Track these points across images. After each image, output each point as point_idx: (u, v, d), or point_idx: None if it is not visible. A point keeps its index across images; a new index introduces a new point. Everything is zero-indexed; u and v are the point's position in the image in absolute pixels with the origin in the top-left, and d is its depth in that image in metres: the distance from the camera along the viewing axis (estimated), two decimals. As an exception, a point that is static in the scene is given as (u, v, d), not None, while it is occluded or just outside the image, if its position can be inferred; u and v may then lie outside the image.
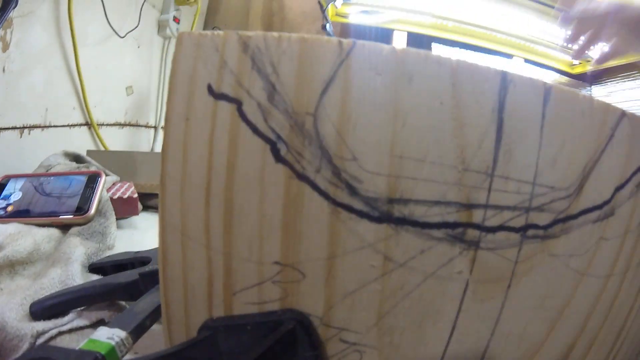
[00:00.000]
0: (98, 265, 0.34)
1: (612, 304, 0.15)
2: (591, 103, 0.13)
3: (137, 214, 0.53)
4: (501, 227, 0.11)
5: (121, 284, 0.27)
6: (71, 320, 0.26)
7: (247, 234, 0.11)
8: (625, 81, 1.23)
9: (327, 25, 1.08)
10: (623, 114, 0.14)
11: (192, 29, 1.07)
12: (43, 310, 0.26)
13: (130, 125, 0.93)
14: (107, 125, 0.84)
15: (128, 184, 0.58)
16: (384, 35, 1.27)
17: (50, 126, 0.68)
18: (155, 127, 1.04)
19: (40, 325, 0.25)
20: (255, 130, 0.10)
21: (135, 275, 0.27)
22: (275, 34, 0.10)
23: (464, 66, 0.10)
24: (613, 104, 0.14)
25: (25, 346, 0.24)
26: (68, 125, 0.73)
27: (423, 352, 0.13)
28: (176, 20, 1.05)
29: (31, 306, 0.26)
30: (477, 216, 0.11)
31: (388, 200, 0.10)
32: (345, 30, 1.26)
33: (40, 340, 0.25)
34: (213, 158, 0.10)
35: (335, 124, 0.10)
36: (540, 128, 0.11)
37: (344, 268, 0.11)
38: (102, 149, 0.80)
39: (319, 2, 1.08)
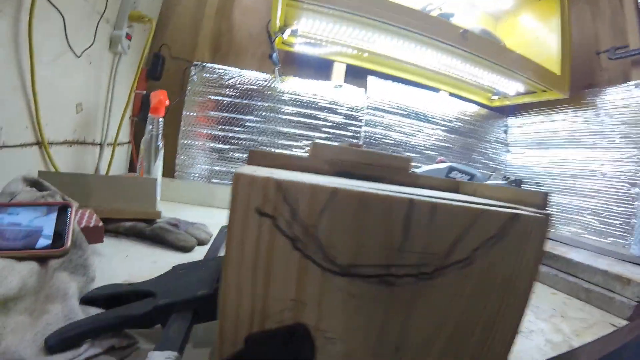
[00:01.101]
0: (92, 298, 0.36)
1: (479, 311, 0.26)
2: (463, 208, 0.23)
3: (102, 241, 0.56)
4: (405, 275, 0.22)
5: (136, 315, 0.31)
6: (86, 349, 0.29)
7: (278, 286, 0.20)
8: (537, 115, 1.48)
9: (274, 55, 1.17)
10: (482, 211, 0.24)
11: (145, 47, 1.09)
12: (61, 342, 0.28)
13: (78, 143, 0.93)
14: (57, 143, 0.84)
15: (89, 211, 0.61)
16: (325, 65, 1.39)
17: (4, 146, 0.68)
18: (100, 145, 1.05)
19: (59, 357, 0.27)
20: (284, 233, 0.20)
21: (148, 308, 0.31)
22: (295, 180, 0.19)
23: (391, 197, 0.21)
24: (474, 205, 0.25)
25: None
26: (21, 145, 0.72)
27: (367, 340, 0.23)
28: (128, 37, 1.05)
29: (47, 340, 0.28)
30: (393, 270, 0.22)
31: (349, 266, 0.21)
32: (289, 58, 1.36)
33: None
34: (259, 248, 0.20)
35: (325, 231, 0.20)
36: (428, 225, 0.22)
37: (327, 300, 0.21)
38: (52, 169, 0.80)
39: (268, 32, 1.17)
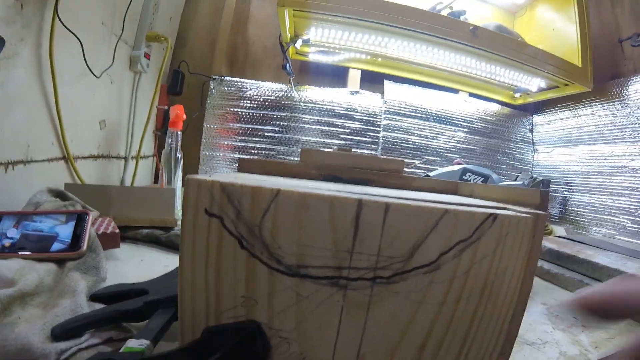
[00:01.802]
0: (99, 295, 0.40)
1: (450, 320, 0.25)
2: (418, 208, 0.22)
3: (118, 246, 0.60)
4: (359, 278, 0.22)
5: (129, 310, 0.34)
6: (87, 339, 0.32)
7: (227, 283, 0.21)
8: (563, 111, 1.42)
9: (287, 66, 1.20)
10: (446, 211, 0.23)
11: (162, 65, 1.15)
12: (65, 332, 0.31)
13: (102, 157, 0.98)
14: (82, 158, 0.89)
15: (108, 219, 0.65)
16: (340, 73, 1.41)
17: (32, 161, 0.73)
18: (125, 158, 1.10)
19: (62, 345, 0.30)
20: (230, 233, 0.21)
21: (140, 304, 0.34)
22: (238, 183, 0.20)
23: (337, 198, 0.21)
24: (438, 205, 0.23)
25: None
26: (47, 160, 0.78)
27: (323, 344, 0.23)
28: (147, 56, 1.11)
29: (54, 329, 0.31)
30: (344, 273, 0.22)
31: (297, 266, 0.21)
32: (304, 67, 1.39)
33: (63, 357, 0.29)
34: (209, 246, 0.21)
35: (269, 230, 0.21)
36: (381, 227, 0.22)
37: (277, 299, 0.22)
38: (78, 181, 0.85)
39: (280, 43, 1.20)
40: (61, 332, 0.31)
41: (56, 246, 0.49)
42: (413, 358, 0.25)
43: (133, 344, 0.25)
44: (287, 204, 0.21)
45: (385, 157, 0.47)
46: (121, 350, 0.24)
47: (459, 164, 1.02)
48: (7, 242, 0.48)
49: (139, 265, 0.60)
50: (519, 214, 0.25)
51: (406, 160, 1.42)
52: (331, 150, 0.43)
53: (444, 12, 1.16)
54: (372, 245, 0.22)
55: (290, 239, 0.21)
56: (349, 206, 0.21)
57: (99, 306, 0.38)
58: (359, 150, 1.39)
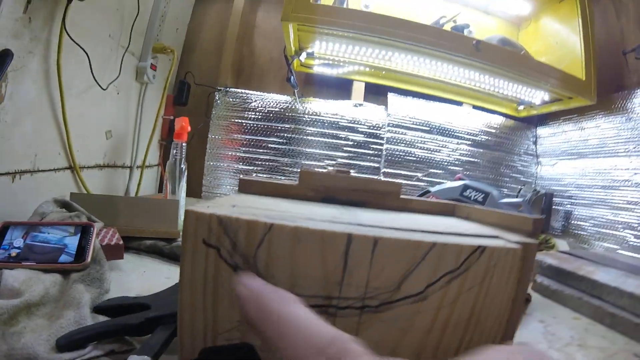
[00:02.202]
0: (102, 308, 0.41)
1: (438, 345, 0.25)
2: (408, 242, 0.23)
3: (122, 258, 0.62)
4: (347, 307, 0.23)
5: (132, 325, 0.36)
6: (90, 351, 0.34)
7: (224, 308, 0.23)
8: (566, 123, 1.42)
9: (292, 78, 1.21)
10: (434, 244, 0.23)
11: (168, 76, 1.17)
12: (69, 343, 0.33)
13: (108, 166, 1.00)
14: (88, 167, 0.91)
15: (112, 229, 0.66)
16: (345, 85, 1.42)
17: (39, 171, 0.75)
18: (130, 167, 1.12)
19: (67, 355, 0.32)
20: (226, 262, 0.22)
21: (142, 319, 0.36)
22: (234, 216, 0.22)
23: (327, 232, 0.22)
24: (427, 238, 0.24)
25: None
26: (54, 170, 0.80)
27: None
28: (153, 67, 1.13)
29: (59, 340, 0.33)
30: (334, 302, 0.23)
31: (289, 295, 0.22)
32: (309, 79, 1.41)
33: (67, 368, 0.31)
34: (207, 273, 0.22)
35: (264, 261, 0.22)
36: (370, 260, 0.23)
37: (270, 325, 0.23)
38: (84, 190, 0.87)
39: (285, 56, 1.22)
40: (66, 343, 0.33)
41: (63, 258, 0.50)
42: None
43: (137, 358, 0.27)
44: (280, 237, 0.22)
45: (382, 179, 0.47)
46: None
47: (460, 179, 1.03)
48: (13, 252, 0.49)
49: (142, 276, 0.61)
50: (507, 245, 0.25)
51: (409, 174, 1.43)
52: (330, 168, 0.43)
53: (448, 26, 1.18)
54: (360, 276, 0.23)
55: (283, 270, 0.22)
56: (339, 240, 0.22)
57: (102, 318, 0.40)
58: (361, 163, 1.40)
